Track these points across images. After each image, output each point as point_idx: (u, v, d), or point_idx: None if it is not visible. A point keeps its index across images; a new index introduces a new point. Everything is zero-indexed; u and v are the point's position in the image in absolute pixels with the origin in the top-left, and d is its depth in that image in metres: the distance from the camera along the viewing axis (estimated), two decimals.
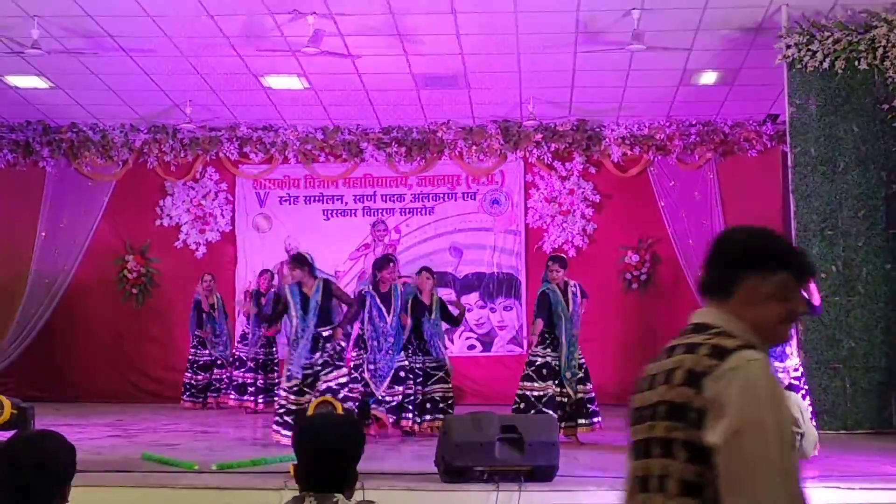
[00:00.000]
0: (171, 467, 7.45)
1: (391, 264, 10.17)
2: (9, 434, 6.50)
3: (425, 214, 14.52)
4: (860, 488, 6.38)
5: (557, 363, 9.40)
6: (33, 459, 3.04)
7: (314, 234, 14.38)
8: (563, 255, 11.20)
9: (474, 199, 14.47)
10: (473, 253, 14.39)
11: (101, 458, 7.93)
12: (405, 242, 14.40)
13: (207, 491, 6.43)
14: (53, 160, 14.38)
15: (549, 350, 9.44)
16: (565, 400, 9.35)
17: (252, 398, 12.48)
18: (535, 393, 9.31)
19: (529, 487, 6.36)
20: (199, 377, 13.14)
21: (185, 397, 13.18)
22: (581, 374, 9.48)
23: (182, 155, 14.43)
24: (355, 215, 14.60)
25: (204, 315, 13.17)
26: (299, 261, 9.38)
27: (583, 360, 9.57)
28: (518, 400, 9.44)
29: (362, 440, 3.28)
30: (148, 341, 14.50)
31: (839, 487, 6.42)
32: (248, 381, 12.52)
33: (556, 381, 9.37)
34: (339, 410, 8.34)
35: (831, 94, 10.48)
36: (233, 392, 12.67)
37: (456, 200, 14.52)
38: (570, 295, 9.58)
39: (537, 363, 9.42)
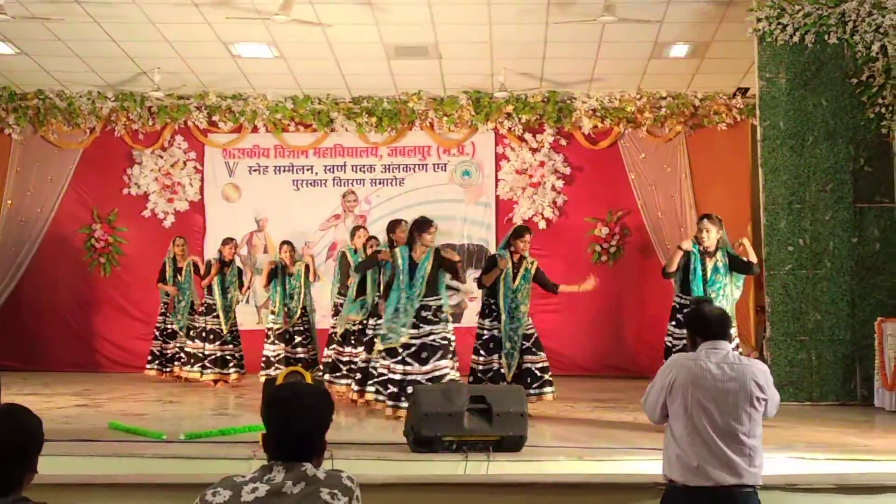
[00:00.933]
0: (138, 437, 7.43)
1: (402, 223, 9.90)
2: None
3: (396, 185, 14.49)
4: (825, 459, 6.46)
5: (500, 334, 9.21)
6: (3, 435, 3.05)
7: (284, 204, 14.34)
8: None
9: (445, 170, 14.45)
10: (444, 224, 14.29)
11: (68, 427, 7.89)
12: (375, 213, 14.36)
13: (175, 460, 6.42)
14: (19, 127, 14.21)
15: (495, 322, 9.24)
16: (505, 371, 9.13)
17: (236, 370, 12.10)
18: (480, 367, 9.18)
19: (498, 457, 6.39)
20: (168, 345, 12.65)
21: (149, 366, 12.64)
22: (528, 345, 9.17)
23: (150, 123, 14.32)
24: (325, 185, 14.54)
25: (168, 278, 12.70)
26: (426, 225, 9.03)
27: (531, 331, 9.23)
28: (469, 373, 9.32)
29: (331, 410, 3.27)
30: (115, 311, 14.42)
31: (804, 458, 6.50)
32: (227, 353, 12.05)
33: (500, 354, 9.19)
34: (309, 380, 8.31)
35: (801, 67, 10.53)
36: (212, 366, 11.99)
37: (426, 171, 14.49)
38: (522, 269, 9.31)
39: (484, 336, 9.26)
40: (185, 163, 14.53)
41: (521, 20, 11.22)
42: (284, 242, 11.91)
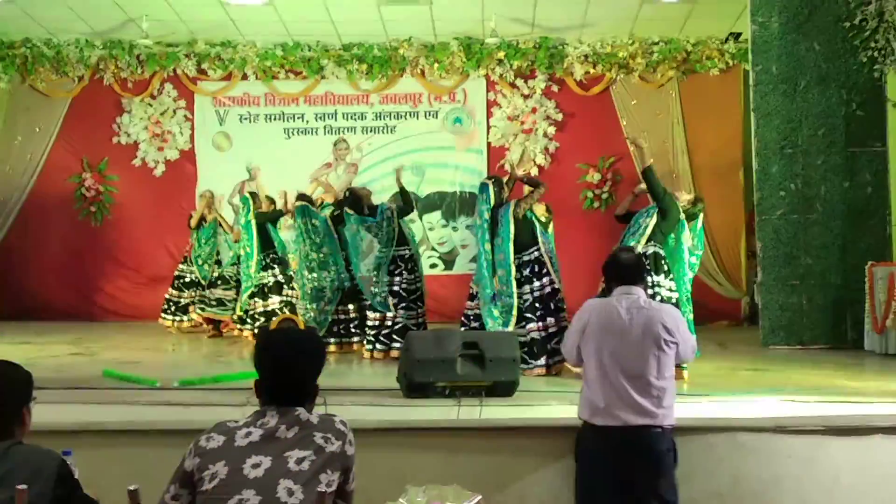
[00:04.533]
0: (132, 384, 7.45)
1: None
2: None
3: (387, 133, 14.43)
4: (814, 401, 6.51)
5: None
6: None
7: (275, 152, 14.26)
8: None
9: (436, 117, 14.39)
10: (435, 172, 14.35)
11: (62, 375, 7.89)
12: (367, 161, 14.32)
13: (169, 407, 6.44)
14: (7, 76, 14.10)
15: None
16: None
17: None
18: (471, 312, 9.15)
19: (490, 402, 6.43)
20: (184, 294, 12.44)
21: (164, 315, 12.50)
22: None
23: (139, 71, 14.22)
24: (317, 134, 14.48)
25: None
26: None
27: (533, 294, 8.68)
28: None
29: (323, 354, 3.30)
30: (107, 259, 14.40)
31: (793, 401, 6.55)
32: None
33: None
34: (302, 326, 8.31)
35: (794, 11, 10.46)
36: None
37: (418, 119, 14.44)
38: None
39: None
40: (174, 111, 14.45)
41: None
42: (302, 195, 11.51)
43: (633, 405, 4.59)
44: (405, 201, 9.91)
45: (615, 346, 4.65)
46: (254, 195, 11.55)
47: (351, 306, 10.23)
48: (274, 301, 11.03)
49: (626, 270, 4.88)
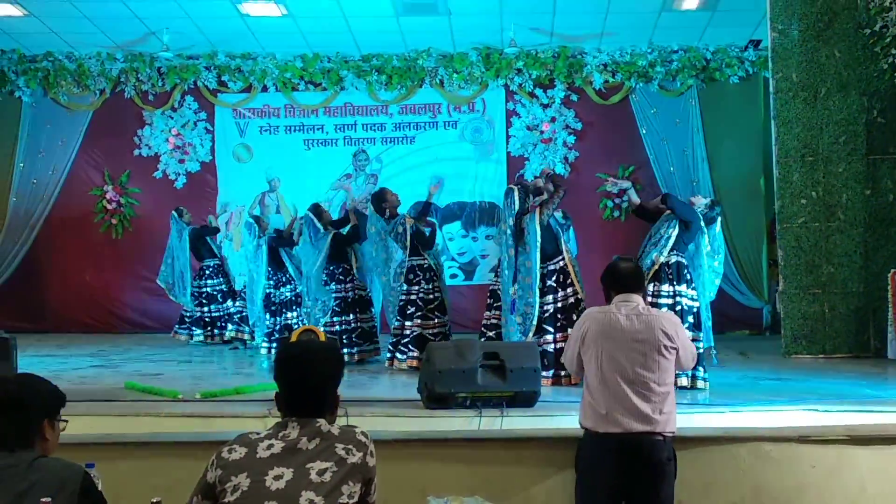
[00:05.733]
0: (154, 396, 7.47)
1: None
2: None
3: (407, 143, 14.45)
4: (837, 411, 6.46)
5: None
6: (8, 402, 3.15)
7: (295, 163, 14.32)
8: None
9: (455, 127, 14.40)
10: (455, 182, 14.34)
11: (84, 387, 7.93)
12: (387, 172, 14.34)
13: (191, 419, 6.46)
14: (29, 90, 14.22)
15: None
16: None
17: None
18: (488, 322, 9.31)
19: (511, 413, 6.41)
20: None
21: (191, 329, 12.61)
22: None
23: (160, 84, 14.30)
24: (336, 145, 14.51)
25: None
26: None
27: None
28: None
29: (341, 365, 3.29)
30: (128, 272, 14.46)
31: (816, 410, 6.51)
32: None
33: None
34: (322, 338, 8.32)
35: (814, 18, 10.42)
36: None
37: (437, 129, 14.44)
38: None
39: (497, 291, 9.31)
40: (195, 123, 14.51)
41: None
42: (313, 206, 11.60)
43: (634, 411, 4.60)
44: (423, 212, 9.87)
45: (615, 352, 4.66)
46: (258, 219, 11.68)
47: (351, 317, 10.22)
48: (291, 315, 11.05)
49: (625, 278, 4.86)
